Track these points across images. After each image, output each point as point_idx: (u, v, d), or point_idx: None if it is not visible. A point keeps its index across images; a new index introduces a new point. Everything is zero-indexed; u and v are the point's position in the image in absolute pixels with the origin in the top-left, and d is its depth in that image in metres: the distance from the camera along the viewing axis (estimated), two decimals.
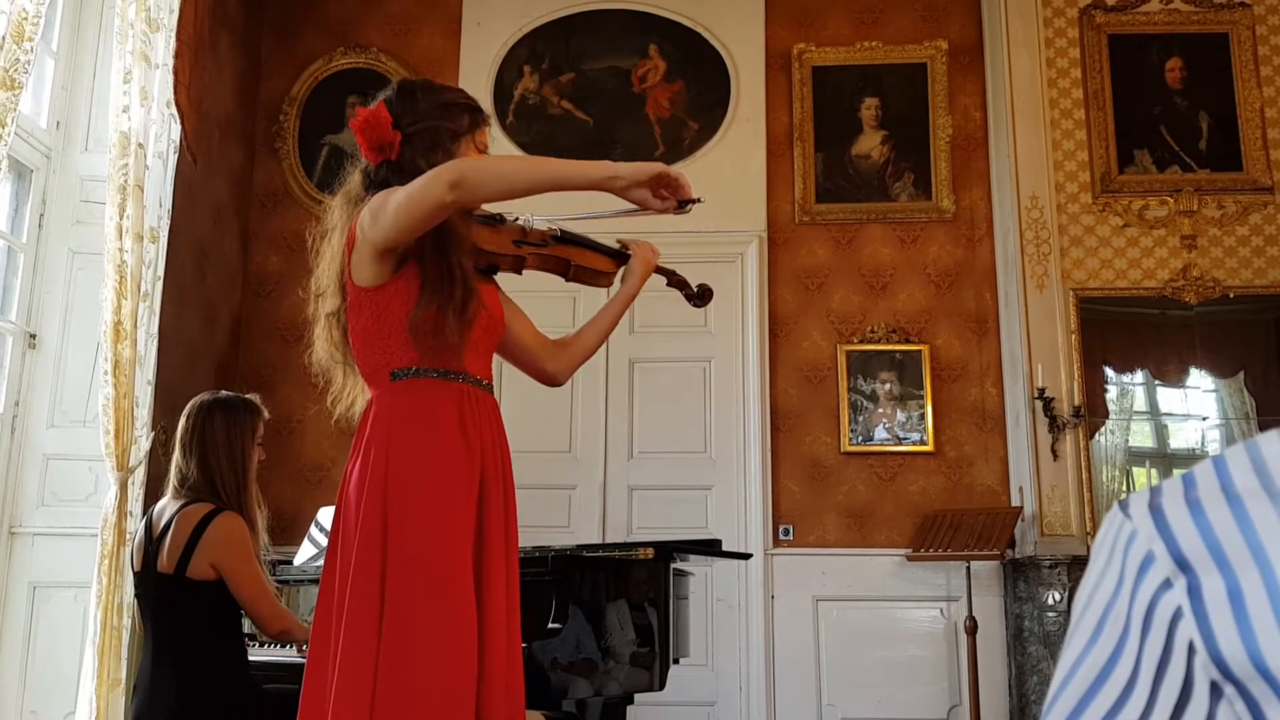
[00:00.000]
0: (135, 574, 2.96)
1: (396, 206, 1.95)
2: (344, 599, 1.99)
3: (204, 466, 2.90)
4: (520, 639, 2.14)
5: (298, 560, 3.73)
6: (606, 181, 2.04)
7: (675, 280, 2.53)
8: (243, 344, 5.47)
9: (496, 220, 2.20)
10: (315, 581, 3.57)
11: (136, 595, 3.04)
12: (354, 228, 2.07)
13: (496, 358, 2.32)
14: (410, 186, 1.95)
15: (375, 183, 2.13)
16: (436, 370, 2.06)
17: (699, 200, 2.09)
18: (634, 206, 2.10)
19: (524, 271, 2.26)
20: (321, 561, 3.56)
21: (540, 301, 3.34)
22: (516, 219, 2.23)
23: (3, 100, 3.13)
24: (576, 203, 2.35)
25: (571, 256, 2.28)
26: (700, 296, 2.52)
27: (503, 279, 2.30)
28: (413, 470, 2.00)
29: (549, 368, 2.39)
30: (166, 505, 2.93)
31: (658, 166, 2.02)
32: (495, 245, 2.17)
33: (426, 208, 1.93)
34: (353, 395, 2.19)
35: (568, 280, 2.32)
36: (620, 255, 2.38)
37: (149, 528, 2.93)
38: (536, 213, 2.29)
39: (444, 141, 2.13)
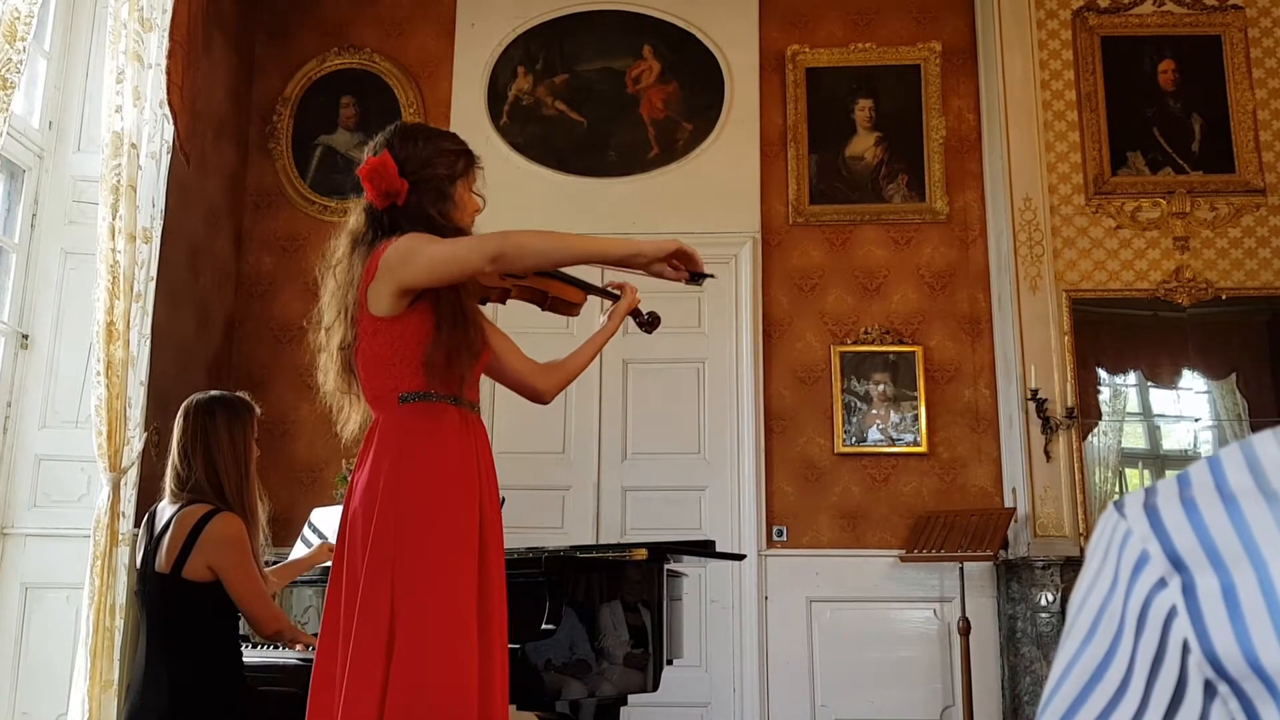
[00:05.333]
0: (137, 572, 2.97)
1: (434, 259, 2.13)
2: (353, 608, 2.08)
3: (208, 466, 2.89)
4: (507, 642, 2.22)
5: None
6: (630, 259, 2.27)
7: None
8: (235, 344, 5.46)
9: None
10: (308, 583, 3.58)
11: (136, 593, 3.04)
12: (375, 261, 2.20)
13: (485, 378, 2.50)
14: (452, 248, 2.14)
15: (383, 225, 2.27)
16: (442, 395, 2.22)
17: (712, 275, 2.38)
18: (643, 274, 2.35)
19: (507, 301, 2.51)
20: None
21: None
22: None
23: None
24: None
25: (548, 288, 2.53)
26: (649, 323, 2.69)
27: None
28: (425, 487, 2.14)
29: (539, 385, 2.58)
30: (166, 506, 2.93)
31: (675, 243, 2.27)
32: (486, 279, 2.37)
33: (465, 271, 2.15)
34: (354, 419, 2.35)
35: (544, 309, 2.57)
36: (608, 294, 2.66)
37: (150, 526, 2.93)
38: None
39: (446, 188, 2.30)
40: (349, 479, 2.33)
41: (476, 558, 2.14)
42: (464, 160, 2.36)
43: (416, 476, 2.14)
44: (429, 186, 2.28)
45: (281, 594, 3.65)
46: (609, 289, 2.66)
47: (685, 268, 2.32)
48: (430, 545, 2.09)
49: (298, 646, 3.09)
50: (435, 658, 2.02)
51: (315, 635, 2.95)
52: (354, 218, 2.35)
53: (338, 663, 2.08)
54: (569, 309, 2.61)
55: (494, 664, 2.12)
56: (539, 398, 2.61)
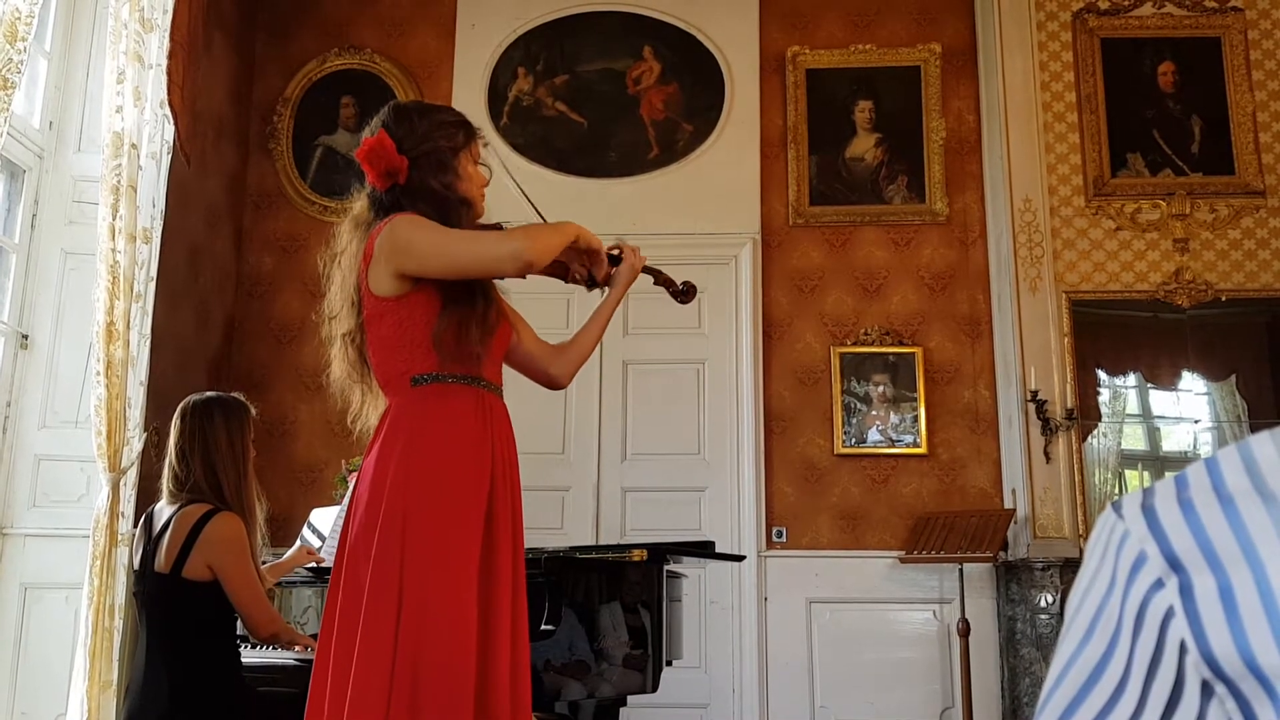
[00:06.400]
0: (135, 572, 2.97)
1: (455, 255, 2.08)
2: (355, 599, 2.03)
3: (206, 467, 2.89)
4: (527, 635, 2.17)
5: None
6: (574, 243, 2.29)
7: (661, 279, 2.58)
8: (235, 345, 5.46)
9: (499, 229, 2.30)
10: (307, 583, 3.58)
11: (134, 594, 3.04)
12: (371, 243, 2.14)
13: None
14: (477, 249, 2.09)
15: (385, 206, 2.21)
16: (457, 376, 2.14)
17: (601, 287, 2.41)
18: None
19: (527, 276, 2.36)
20: (312, 563, 3.57)
21: (537, 304, 3.36)
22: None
23: None
24: None
25: (570, 260, 2.39)
26: (685, 293, 2.54)
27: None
28: (436, 471, 2.07)
29: (552, 370, 2.46)
30: (164, 507, 2.93)
31: (597, 242, 2.33)
32: None
33: (485, 271, 2.11)
34: (370, 413, 2.26)
35: (567, 282, 2.44)
36: (612, 259, 2.46)
37: (148, 527, 2.93)
38: None
39: (447, 161, 2.23)
40: (358, 469, 2.28)
41: (480, 546, 2.07)
42: (463, 132, 2.27)
43: (426, 463, 2.06)
44: (430, 160, 2.20)
45: (280, 595, 3.65)
46: (610, 253, 2.48)
47: (590, 270, 2.36)
48: (436, 535, 2.03)
49: (295, 648, 3.09)
50: (433, 649, 1.98)
51: (312, 636, 2.96)
52: (357, 205, 2.29)
53: (337, 663, 2.04)
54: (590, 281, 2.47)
55: (499, 650, 2.04)
56: (553, 383, 2.48)
